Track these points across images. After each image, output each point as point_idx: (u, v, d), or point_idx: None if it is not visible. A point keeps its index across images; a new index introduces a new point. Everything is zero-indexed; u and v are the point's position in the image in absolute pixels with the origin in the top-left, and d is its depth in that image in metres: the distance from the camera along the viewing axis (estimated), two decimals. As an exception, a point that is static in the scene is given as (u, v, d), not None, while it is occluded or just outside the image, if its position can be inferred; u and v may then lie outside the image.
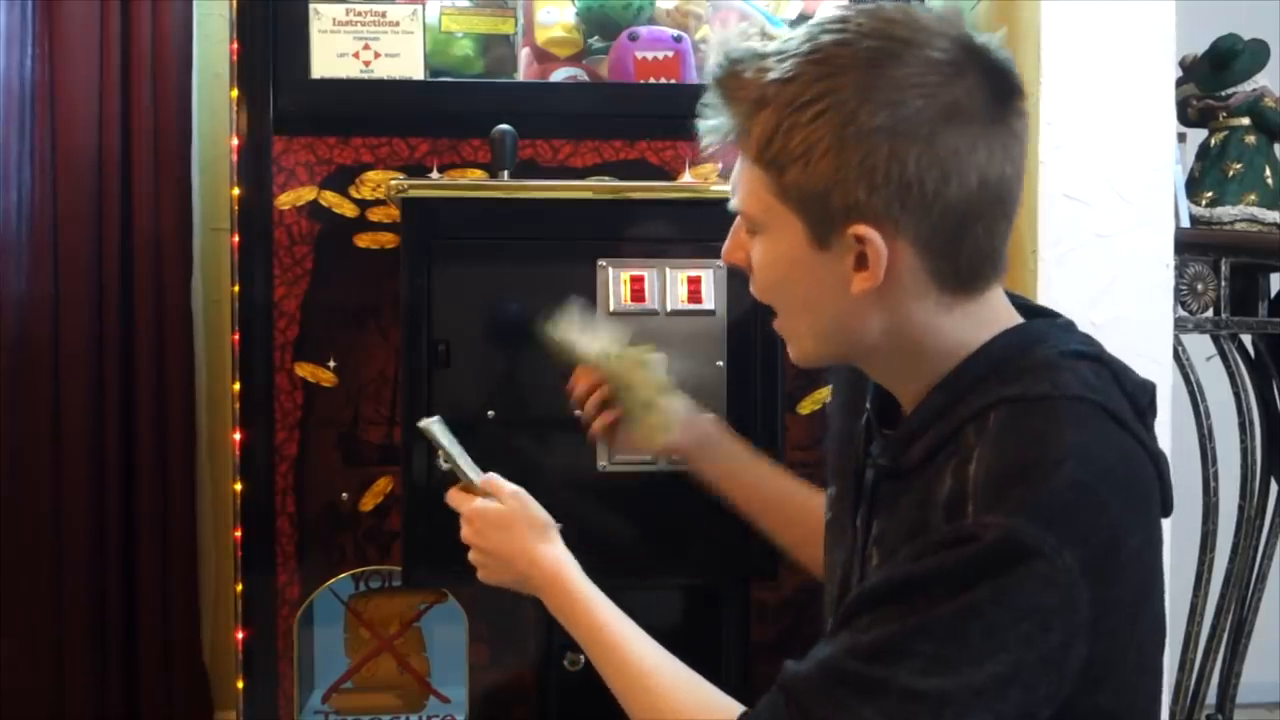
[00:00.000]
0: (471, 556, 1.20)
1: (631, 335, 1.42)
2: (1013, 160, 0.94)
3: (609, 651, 1.06)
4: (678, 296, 1.57)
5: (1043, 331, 0.98)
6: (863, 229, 0.92)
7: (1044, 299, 1.67)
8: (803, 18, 1.83)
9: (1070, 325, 1.02)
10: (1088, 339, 1.00)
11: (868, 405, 1.08)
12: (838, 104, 0.90)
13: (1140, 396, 0.96)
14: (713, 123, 0.99)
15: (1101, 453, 0.89)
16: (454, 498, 1.22)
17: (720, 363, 1.57)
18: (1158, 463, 0.94)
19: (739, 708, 0.95)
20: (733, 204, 1.02)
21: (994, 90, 0.93)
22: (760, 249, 1.00)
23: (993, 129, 0.92)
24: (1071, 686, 0.88)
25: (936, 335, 0.97)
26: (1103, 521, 0.87)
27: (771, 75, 0.93)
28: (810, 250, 0.96)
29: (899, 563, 0.90)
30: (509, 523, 1.17)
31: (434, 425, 1.26)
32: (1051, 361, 0.94)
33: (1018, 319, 1.00)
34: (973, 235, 0.94)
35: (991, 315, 0.99)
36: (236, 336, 1.74)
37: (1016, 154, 0.95)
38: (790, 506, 1.33)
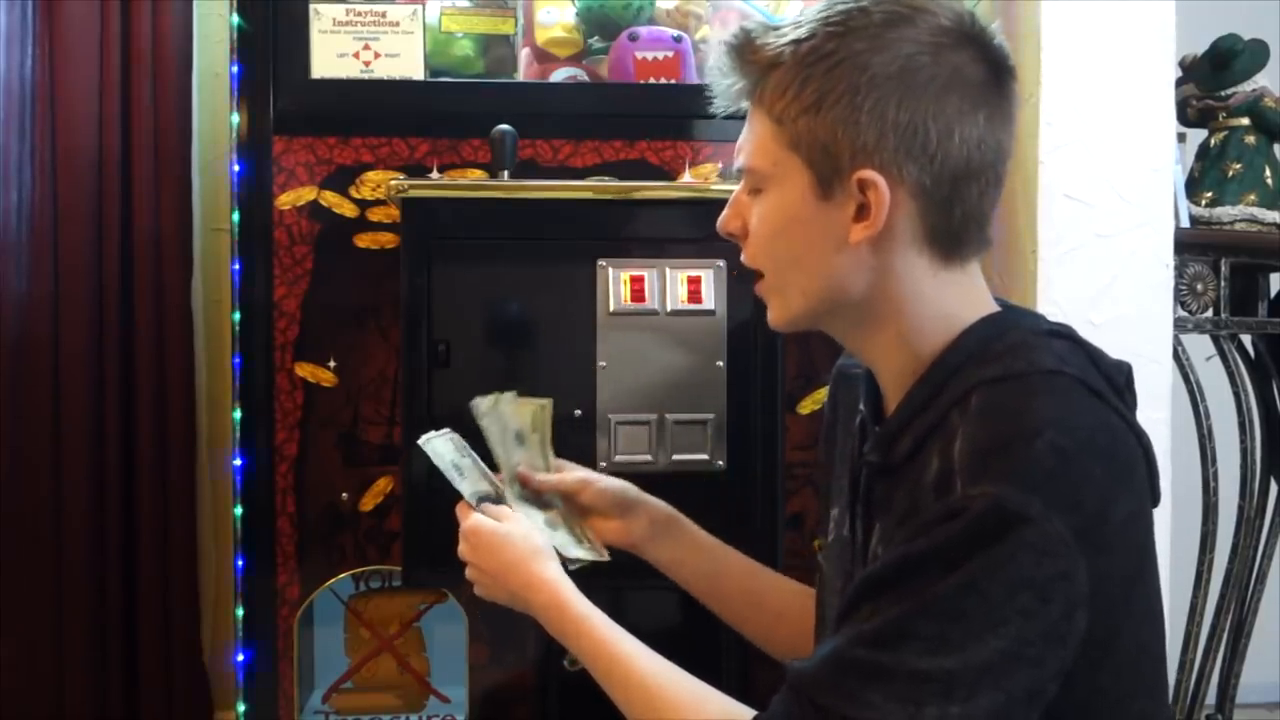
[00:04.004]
0: (468, 573, 1.19)
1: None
2: (1007, 133, 1.00)
3: (613, 668, 1.05)
4: (678, 296, 1.57)
5: (1015, 317, 1.02)
6: (868, 174, 0.96)
7: (1044, 299, 1.67)
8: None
9: (1040, 315, 1.06)
10: (1059, 323, 1.02)
11: (860, 407, 1.09)
12: (852, 55, 0.96)
13: (1116, 376, 0.98)
14: (725, 84, 1.03)
15: (1081, 422, 0.90)
16: (459, 510, 1.21)
17: (720, 363, 1.57)
18: (1141, 439, 0.95)
19: (750, 712, 0.95)
20: (739, 162, 1.04)
21: (991, 65, 0.99)
22: (762, 206, 1.03)
23: (990, 98, 0.98)
24: (1073, 662, 0.88)
25: (919, 300, 1.00)
26: (1088, 488, 0.87)
27: (787, 38, 0.98)
28: (813, 201, 0.99)
29: (894, 547, 0.91)
30: (502, 542, 1.16)
31: (434, 442, 1.23)
32: (1027, 341, 0.96)
33: (994, 305, 1.03)
34: (967, 195, 0.98)
35: (972, 291, 1.02)
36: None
37: (1010, 129, 1.01)
38: (748, 590, 1.30)
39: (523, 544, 1.16)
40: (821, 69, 0.96)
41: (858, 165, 0.96)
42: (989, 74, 0.98)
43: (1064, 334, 0.99)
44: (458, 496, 1.21)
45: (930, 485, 0.90)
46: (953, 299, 1.00)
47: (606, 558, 1.25)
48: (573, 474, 1.28)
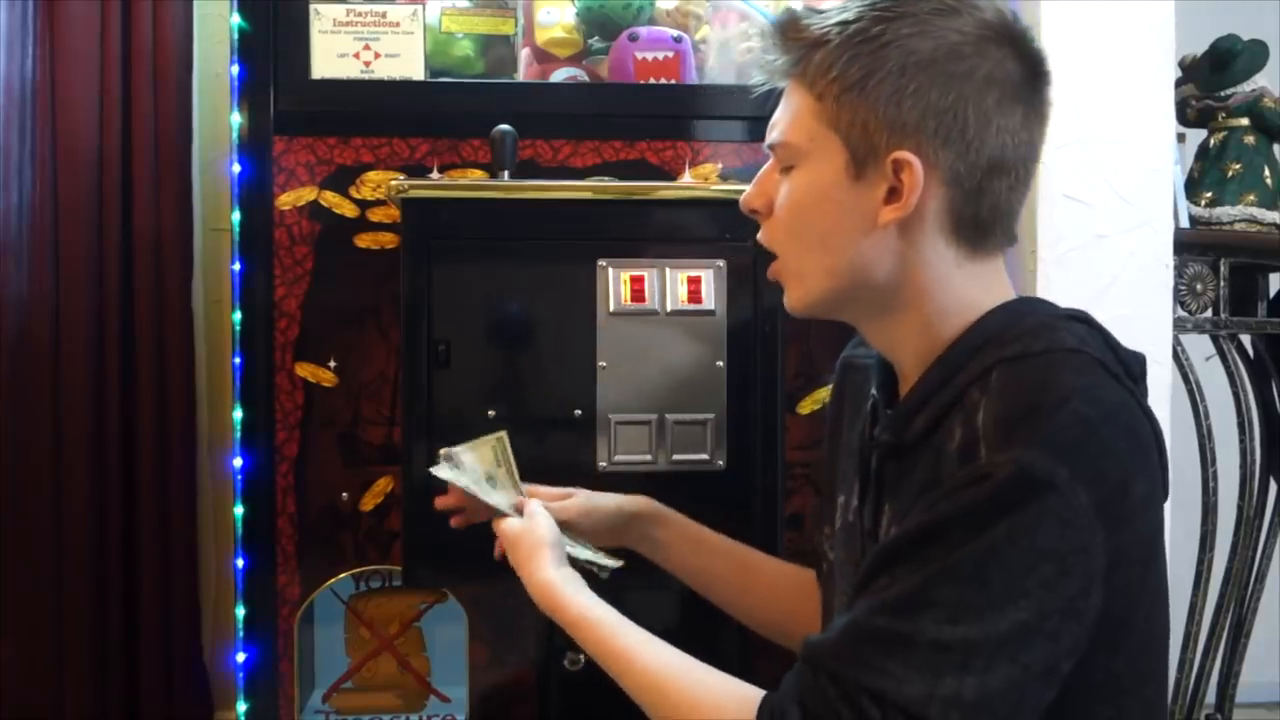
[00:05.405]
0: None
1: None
2: (1039, 133, 1.02)
3: (618, 660, 1.06)
4: (678, 296, 1.57)
5: (1032, 303, 1.04)
6: (905, 154, 0.97)
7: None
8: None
9: (1055, 303, 1.06)
10: (1076, 309, 1.03)
11: (873, 391, 1.10)
12: (899, 38, 0.98)
13: (1133, 364, 0.99)
14: (768, 60, 1.05)
15: (1103, 396, 0.90)
16: (494, 524, 1.25)
17: (720, 363, 1.57)
18: (1155, 426, 0.96)
19: (760, 692, 0.95)
20: (772, 138, 1.05)
21: (1029, 66, 1.01)
22: (792, 182, 1.04)
23: (1026, 96, 1.00)
24: (1089, 642, 0.88)
25: (943, 289, 1.01)
26: (1111, 461, 0.88)
27: (834, 19, 1.00)
28: (845, 180, 1.00)
29: (914, 515, 0.91)
30: (514, 541, 1.19)
31: (444, 469, 1.25)
32: (1046, 323, 0.97)
33: (1013, 294, 1.04)
34: (996, 188, 1.00)
35: (995, 281, 1.03)
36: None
37: (1042, 131, 1.03)
38: (738, 569, 1.33)
39: (529, 540, 1.17)
40: (868, 49, 0.98)
41: (894, 146, 0.97)
42: (1027, 73, 1.00)
43: (1082, 318, 1.00)
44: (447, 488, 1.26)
45: (955, 454, 0.90)
46: (976, 289, 1.01)
47: (621, 563, 1.28)
48: (573, 503, 1.30)
